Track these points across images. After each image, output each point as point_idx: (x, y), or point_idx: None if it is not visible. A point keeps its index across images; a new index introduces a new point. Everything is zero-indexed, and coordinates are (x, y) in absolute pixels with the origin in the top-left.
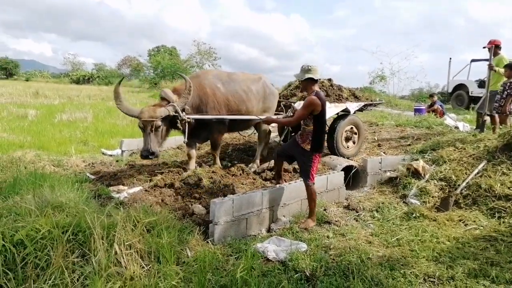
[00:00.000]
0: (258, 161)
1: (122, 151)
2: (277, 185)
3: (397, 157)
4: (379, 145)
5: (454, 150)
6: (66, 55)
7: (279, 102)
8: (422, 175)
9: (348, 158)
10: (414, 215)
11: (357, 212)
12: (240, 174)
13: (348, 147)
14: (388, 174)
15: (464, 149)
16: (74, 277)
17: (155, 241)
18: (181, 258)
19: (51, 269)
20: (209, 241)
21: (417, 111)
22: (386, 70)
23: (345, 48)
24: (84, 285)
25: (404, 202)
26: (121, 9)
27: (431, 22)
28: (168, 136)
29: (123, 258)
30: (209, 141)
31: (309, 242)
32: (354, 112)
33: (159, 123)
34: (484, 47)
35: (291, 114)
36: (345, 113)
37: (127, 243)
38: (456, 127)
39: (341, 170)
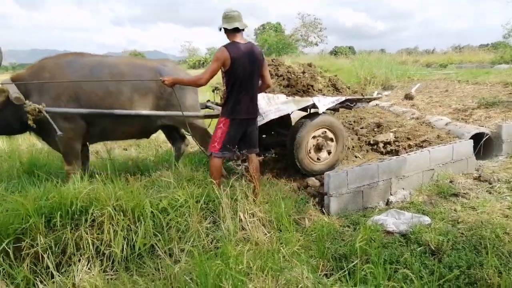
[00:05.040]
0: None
1: None
2: (395, 157)
3: None
4: None
5: None
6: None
7: None
8: None
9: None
10: None
11: (490, 183)
12: (353, 147)
13: (318, 159)
14: None
15: None
16: (208, 240)
17: (275, 211)
18: (299, 227)
19: (189, 232)
20: (324, 212)
21: None
22: None
23: None
24: (217, 247)
25: None
26: None
27: None
28: None
29: (247, 225)
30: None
31: (433, 215)
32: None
33: None
34: None
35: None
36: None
37: (250, 212)
38: None
39: (470, 138)
